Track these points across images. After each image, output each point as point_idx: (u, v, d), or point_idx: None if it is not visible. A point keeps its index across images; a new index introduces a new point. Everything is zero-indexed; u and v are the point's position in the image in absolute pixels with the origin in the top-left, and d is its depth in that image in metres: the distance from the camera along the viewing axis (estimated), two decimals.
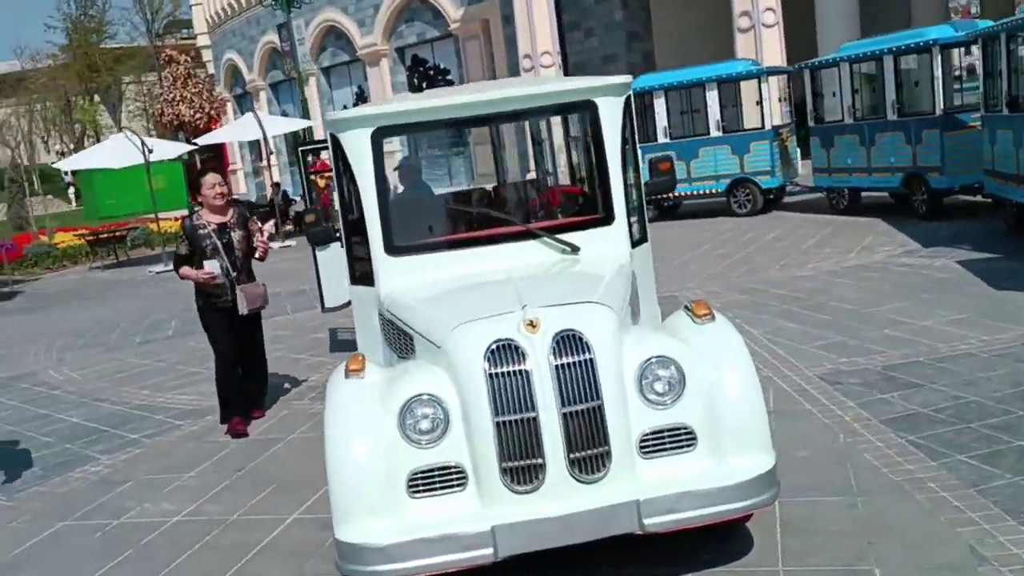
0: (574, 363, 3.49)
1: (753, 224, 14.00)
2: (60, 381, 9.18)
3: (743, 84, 14.95)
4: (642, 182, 4.97)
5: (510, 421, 3.44)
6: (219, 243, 6.31)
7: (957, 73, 13.26)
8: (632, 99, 4.79)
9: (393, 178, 7.60)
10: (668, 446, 3.57)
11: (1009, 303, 7.33)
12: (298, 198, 22.28)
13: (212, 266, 6.28)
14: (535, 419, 3.44)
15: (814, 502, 4.26)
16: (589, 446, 3.45)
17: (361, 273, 4.75)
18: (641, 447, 3.56)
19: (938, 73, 11.71)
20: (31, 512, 5.53)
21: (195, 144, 24.39)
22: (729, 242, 12.61)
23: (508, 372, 3.47)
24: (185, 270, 6.36)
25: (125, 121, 51.04)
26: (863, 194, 13.71)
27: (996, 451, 4.58)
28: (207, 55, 40.81)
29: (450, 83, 27.90)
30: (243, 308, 6.41)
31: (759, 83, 14.71)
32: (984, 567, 3.53)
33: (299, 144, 19.84)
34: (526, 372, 3.47)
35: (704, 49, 19.55)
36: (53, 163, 34.12)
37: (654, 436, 3.57)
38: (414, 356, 4.06)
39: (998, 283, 8.00)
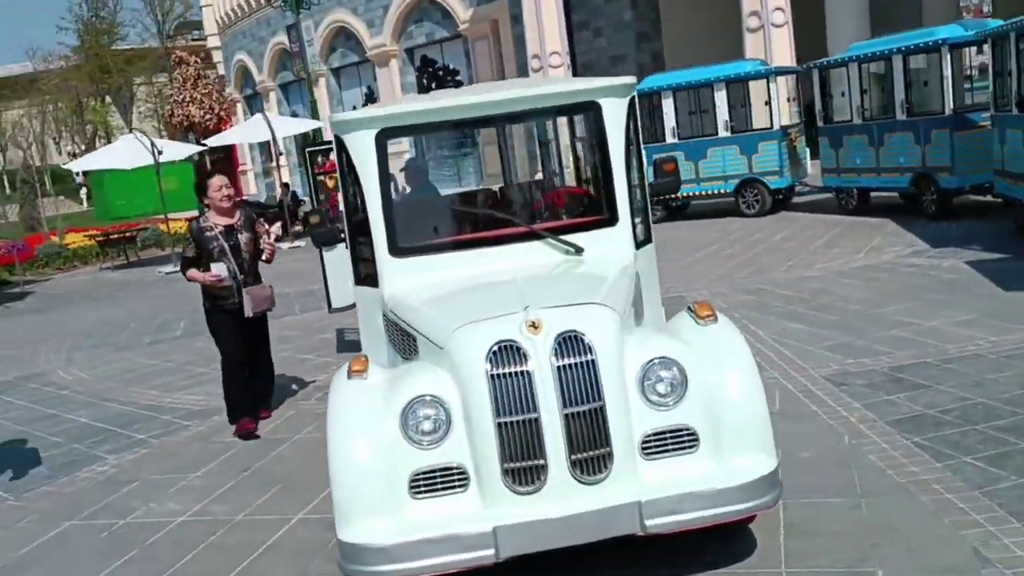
0: (576, 364, 3.49)
1: (761, 224, 13.97)
2: (69, 381, 9.23)
3: (752, 84, 14.92)
4: (646, 183, 4.97)
5: (511, 422, 3.44)
6: (226, 245, 6.31)
7: (969, 72, 13.18)
8: (636, 100, 4.79)
9: (400, 179, 7.61)
10: (670, 447, 3.57)
11: (1018, 304, 7.29)
12: (307, 199, 22.32)
13: (219, 269, 6.28)
14: (537, 420, 3.44)
15: (818, 504, 4.25)
16: (591, 447, 3.45)
17: (365, 274, 4.76)
18: (643, 448, 3.56)
19: (947, 73, 11.67)
20: (38, 512, 5.56)
21: (204, 145, 24.47)
22: (737, 243, 12.58)
23: (510, 373, 3.48)
24: (192, 273, 6.37)
25: (136, 122, 51.25)
26: (872, 194, 13.68)
27: (1002, 453, 4.56)
28: (217, 56, 40.95)
29: (459, 83, 27.94)
30: (249, 311, 6.41)
31: (767, 83, 14.67)
32: (988, 569, 3.52)
33: (308, 145, 19.88)
34: (528, 373, 3.47)
35: (713, 49, 19.50)
36: (64, 164, 34.28)
37: (656, 437, 3.57)
38: (417, 357, 4.07)
39: (1007, 284, 7.96)
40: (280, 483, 5.43)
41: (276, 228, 7.05)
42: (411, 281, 4.43)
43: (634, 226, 4.66)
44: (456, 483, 3.51)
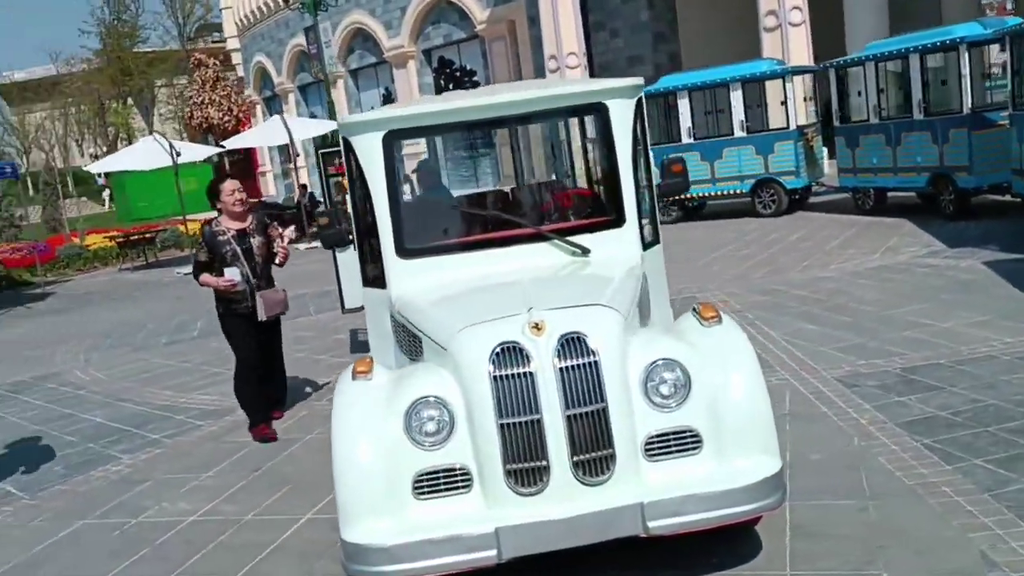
0: (578, 365, 3.49)
1: (777, 225, 13.90)
2: (86, 381, 9.32)
3: (768, 84, 14.86)
4: (655, 184, 4.96)
5: (514, 423, 3.45)
6: (239, 249, 6.31)
7: (990, 71, 13.05)
8: (644, 101, 4.78)
9: (412, 180, 7.63)
10: (673, 449, 3.57)
11: None
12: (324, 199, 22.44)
13: (232, 273, 6.27)
14: (539, 421, 3.44)
15: (825, 505, 4.23)
16: (593, 448, 3.46)
17: (373, 275, 4.79)
18: (646, 450, 3.55)
19: (965, 71, 11.58)
20: (52, 510, 5.62)
21: (223, 147, 24.64)
22: (753, 243, 12.53)
23: (512, 374, 3.48)
24: (205, 277, 6.36)
25: (157, 124, 51.68)
26: (889, 194, 13.57)
27: (1014, 455, 4.51)
28: (237, 58, 41.22)
29: (476, 84, 27.98)
30: (262, 314, 6.40)
31: (784, 83, 14.60)
32: (994, 573, 3.49)
33: (327, 146, 19.98)
34: (530, 374, 3.48)
35: (730, 49, 19.44)
36: (85, 166, 34.63)
37: (659, 439, 3.56)
38: (423, 358, 4.08)
39: None
40: (290, 483, 5.47)
41: (290, 232, 7.07)
42: (418, 282, 4.44)
43: (641, 227, 4.65)
44: (459, 484, 3.52)
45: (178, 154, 19.20)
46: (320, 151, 7.35)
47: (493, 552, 3.35)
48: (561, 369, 3.48)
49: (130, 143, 43.73)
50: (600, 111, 4.62)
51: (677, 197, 15.43)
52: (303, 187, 22.60)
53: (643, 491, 3.44)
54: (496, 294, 4.03)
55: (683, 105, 15.47)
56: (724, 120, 15.26)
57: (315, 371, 8.21)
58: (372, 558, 3.40)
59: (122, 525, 5.19)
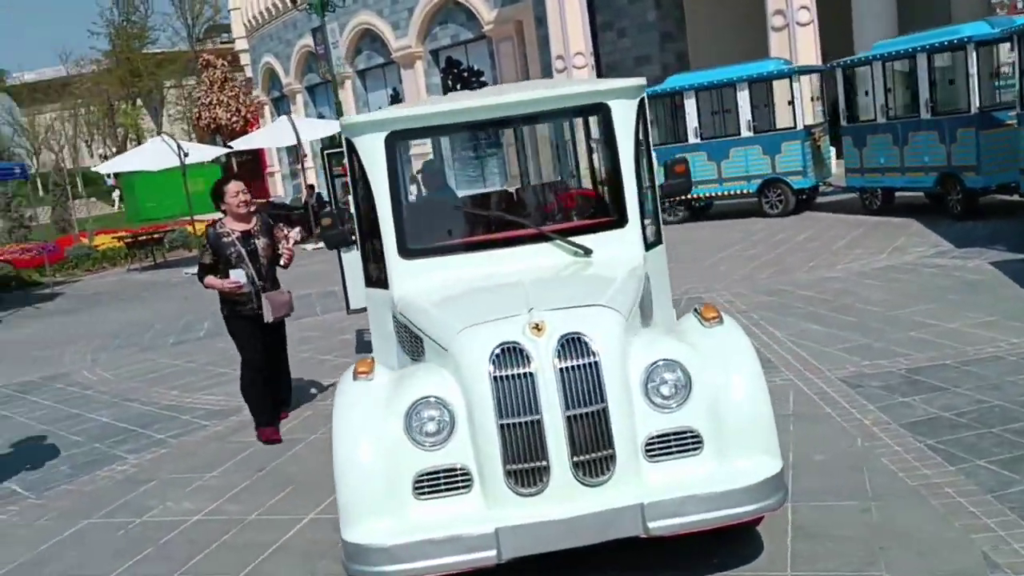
0: (578, 366, 3.49)
1: (785, 225, 13.87)
2: (93, 381, 9.36)
3: (775, 83, 14.83)
4: (657, 184, 4.96)
5: (514, 424, 3.46)
6: (243, 251, 6.27)
7: (998, 70, 12.98)
8: (646, 101, 4.78)
9: (418, 180, 7.65)
10: (674, 449, 3.57)
11: None
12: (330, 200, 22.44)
13: (238, 275, 6.23)
14: (539, 422, 3.45)
15: (827, 507, 4.22)
16: (593, 449, 3.46)
17: (376, 276, 4.79)
18: (646, 450, 3.55)
19: (973, 71, 11.53)
20: (58, 510, 5.65)
21: (230, 147, 24.70)
22: (760, 243, 12.51)
23: (512, 375, 3.49)
24: (210, 280, 6.33)
25: (167, 125, 51.87)
26: (896, 194, 13.53)
27: (1018, 456, 4.50)
28: (245, 59, 41.33)
29: (484, 84, 27.99)
30: (269, 316, 6.37)
31: (791, 82, 14.57)
32: (996, 574, 3.48)
33: (335, 147, 20.01)
34: (530, 375, 3.48)
35: (738, 48, 19.41)
36: (93, 167, 34.79)
37: (660, 439, 3.56)
38: (425, 359, 4.09)
39: None
40: (294, 483, 5.48)
41: (295, 233, 7.07)
42: (420, 283, 4.45)
43: (644, 228, 4.65)
44: (459, 484, 3.52)
45: (186, 155, 19.27)
46: (325, 152, 7.35)
47: (493, 552, 3.35)
48: (561, 369, 3.48)
49: (139, 144, 43.88)
50: (602, 111, 4.62)
51: (684, 197, 15.44)
52: (310, 188, 22.64)
53: (643, 492, 3.44)
54: (497, 294, 4.03)
55: (690, 105, 15.45)
56: (731, 120, 15.24)
57: (320, 371, 8.23)
58: (372, 558, 3.41)
59: (126, 525, 5.21)
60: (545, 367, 3.48)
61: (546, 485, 3.44)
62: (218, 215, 6.59)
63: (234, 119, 34.45)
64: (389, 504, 3.49)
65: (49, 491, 6.03)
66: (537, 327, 3.55)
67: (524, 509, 3.42)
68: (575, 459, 3.44)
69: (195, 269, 6.66)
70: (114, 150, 52.16)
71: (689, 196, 15.43)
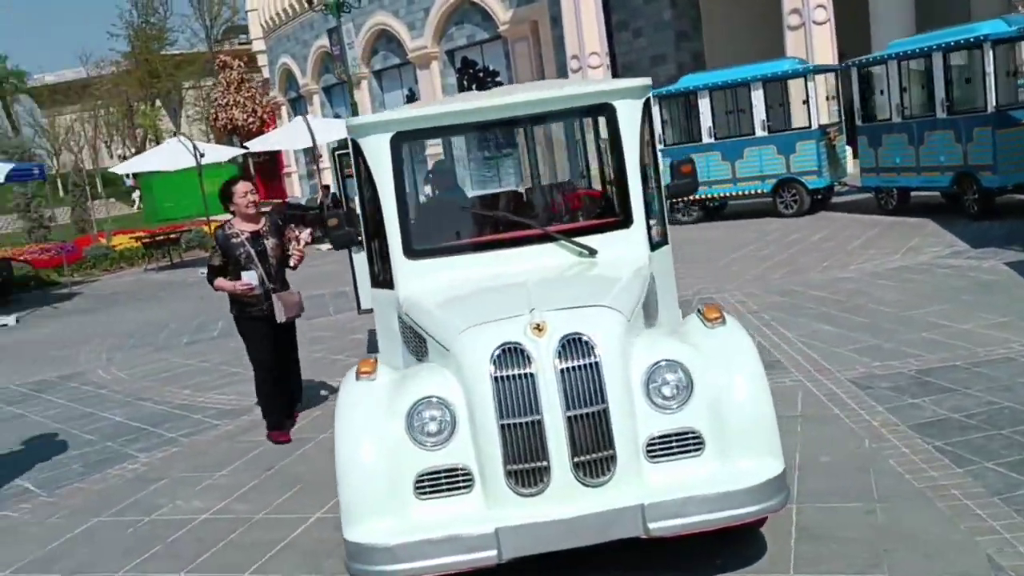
0: (579, 367, 3.49)
1: (799, 225, 13.81)
2: (108, 380, 9.44)
3: (790, 83, 14.76)
4: (663, 184, 4.95)
5: (515, 424, 3.46)
6: (253, 251, 6.26)
7: (1016, 68, 12.86)
8: (652, 101, 4.77)
9: (429, 180, 7.65)
10: (675, 450, 3.56)
11: None
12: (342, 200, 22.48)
13: (250, 277, 6.22)
14: (540, 422, 3.45)
15: (832, 508, 4.20)
16: (594, 449, 3.46)
17: (381, 276, 4.81)
18: (648, 451, 3.55)
19: (989, 69, 11.44)
20: (69, 508, 5.70)
21: (246, 148, 24.82)
22: (773, 243, 12.46)
23: (513, 375, 3.50)
24: (220, 282, 6.31)
25: (185, 126, 52.18)
26: (912, 194, 13.44)
27: None
28: (262, 60, 41.53)
29: (499, 84, 28.00)
30: (281, 316, 6.37)
31: (805, 82, 14.50)
32: None
33: (342, 148, 20.09)
34: (531, 375, 3.48)
35: (754, 47, 19.35)
36: (109, 168, 35.06)
37: (661, 440, 3.56)
38: (428, 359, 4.10)
39: None
40: (302, 482, 5.51)
41: (306, 235, 7.08)
42: (425, 283, 4.46)
43: (649, 228, 4.64)
44: (461, 484, 3.53)
45: (202, 155, 19.38)
46: (336, 152, 7.35)
47: (493, 552, 3.36)
48: (562, 370, 3.49)
49: (158, 145, 44.23)
50: (607, 112, 4.61)
51: (698, 197, 15.41)
52: (325, 188, 22.72)
53: (644, 492, 3.44)
54: (500, 295, 4.04)
55: (704, 105, 15.40)
56: (745, 120, 15.19)
57: (332, 371, 8.25)
58: (374, 557, 3.43)
59: (136, 523, 5.26)
60: (546, 367, 3.48)
61: (547, 485, 3.45)
62: (228, 216, 6.61)
63: (250, 120, 34.60)
64: (391, 504, 3.51)
65: (61, 489, 6.09)
66: (538, 327, 3.55)
67: (524, 509, 3.42)
68: (576, 459, 3.44)
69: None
70: (133, 151, 52.48)
71: (703, 196, 15.43)
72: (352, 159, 4.83)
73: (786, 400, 5.73)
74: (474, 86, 29.29)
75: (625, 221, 4.61)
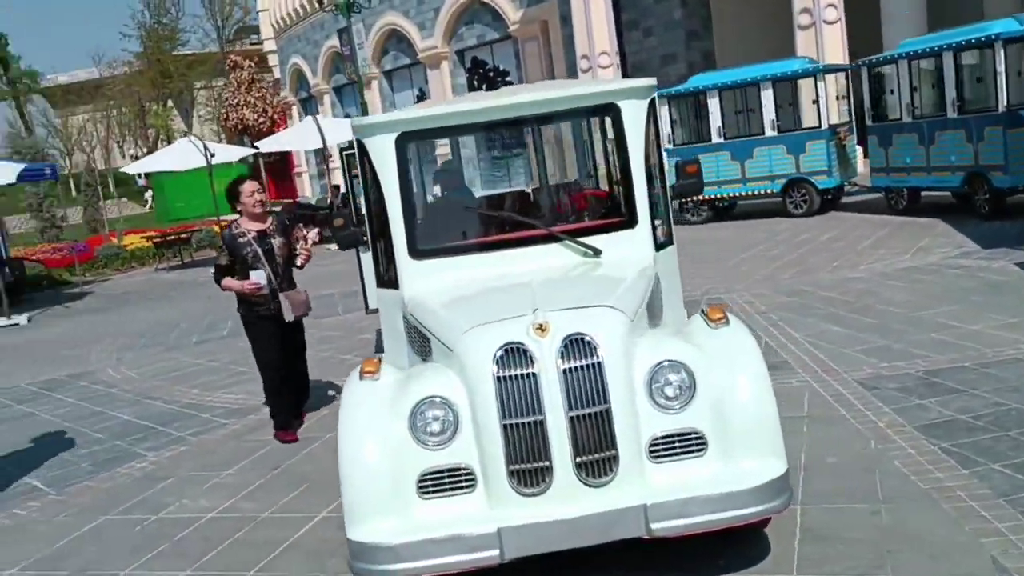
0: (582, 367, 3.50)
1: (809, 225, 13.77)
2: (117, 379, 9.49)
3: (800, 83, 14.72)
4: (668, 185, 4.95)
5: (517, 424, 3.47)
6: (260, 251, 6.26)
7: None
8: (657, 102, 4.77)
9: (435, 182, 7.67)
10: (678, 450, 3.56)
11: None
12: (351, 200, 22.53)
13: (258, 276, 6.21)
14: (542, 422, 3.46)
15: (837, 509, 4.19)
16: (596, 450, 3.46)
17: (387, 276, 4.82)
18: (650, 451, 3.55)
19: (1001, 68, 11.39)
20: (77, 506, 5.74)
21: (256, 148, 24.90)
22: (783, 243, 12.42)
23: (516, 375, 3.50)
24: (228, 282, 6.31)
25: (197, 126, 52.36)
26: (923, 194, 13.38)
27: None
28: (273, 60, 41.66)
29: (509, 84, 28.01)
30: (289, 315, 6.38)
31: (815, 81, 14.45)
32: None
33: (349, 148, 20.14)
34: (534, 375, 3.49)
35: (765, 47, 19.31)
36: (121, 168, 35.23)
37: (664, 440, 3.56)
38: (433, 359, 4.11)
39: None
40: (308, 482, 5.53)
41: (313, 234, 7.09)
42: (430, 283, 4.47)
43: (654, 228, 4.64)
44: (463, 484, 3.54)
45: (212, 155, 19.45)
46: (344, 152, 7.35)
47: (495, 552, 3.37)
48: (564, 370, 3.49)
49: (170, 145, 44.40)
50: (612, 112, 4.62)
51: (707, 197, 15.38)
52: (335, 188, 22.78)
53: (646, 492, 3.44)
54: (504, 295, 4.05)
55: (713, 104, 15.37)
56: (755, 119, 15.15)
57: (339, 371, 8.26)
58: (377, 557, 3.44)
59: (143, 521, 5.29)
60: (548, 368, 3.49)
61: (549, 485, 3.45)
62: (235, 216, 6.62)
63: (261, 120, 34.70)
64: (394, 503, 3.52)
65: (69, 487, 6.12)
66: (541, 328, 3.56)
67: (527, 509, 3.43)
68: (578, 460, 3.45)
69: None
70: (145, 151, 52.67)
71: (712, 196, 15.40)
72: (357, 159, 4.84)
73: (793, 401, 5.72)
74: (484, 86, 29.30)
75: (630, 221, 4.61)
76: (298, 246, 6.57)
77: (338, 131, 23.23)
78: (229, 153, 23.61)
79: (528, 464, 3.46)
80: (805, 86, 14.68)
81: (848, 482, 4.47)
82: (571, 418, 3.45)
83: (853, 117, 15.82)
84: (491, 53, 29.63)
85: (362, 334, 9.82)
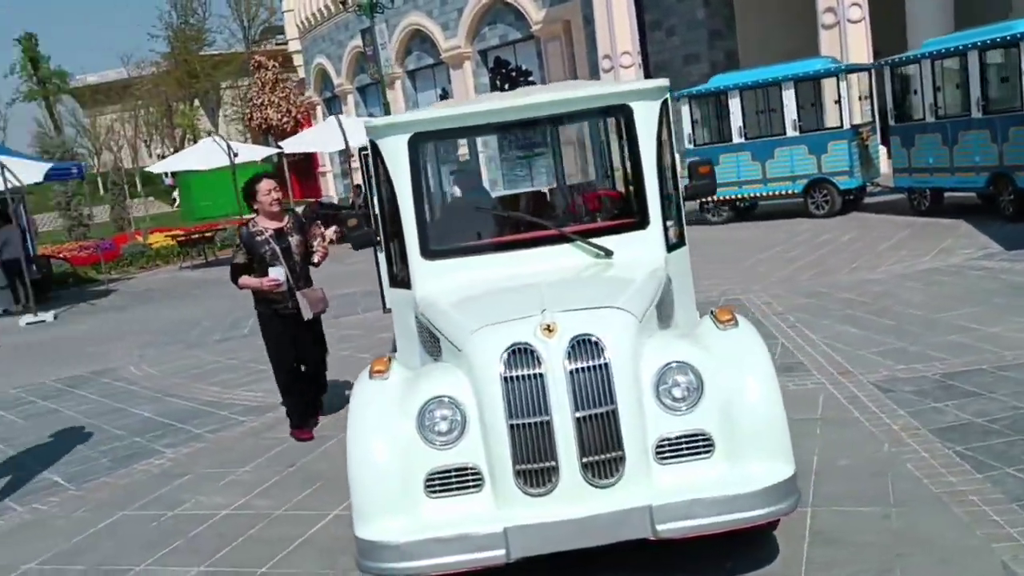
0: (589, 368, 3.51)
1: (830, 226, 13.68)
2: (139, 377, 9.60)
3: (823, 82, 14.62)
4: (681, 185, 4.94)
5: (524, 424, 3.48)
6: (278, 249, 6.28)
7: None
8: (669, 103, 4.77)
9: (451, 182, 7.70)
10: (684, 452, 3.56)
11: None
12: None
13: (277, 273, 6.22)
14: (548, 423, 3.47)
15: (847, 512, 4.17)
16: (602, 450, 3.47)
17: (399, 277, 4.85)
18: (657, 452, 3.55)
19: None
20: (96, 501, 5.81)
21: (280, 147, 25.08)
22: (803, 244, 12.35)
23: (523, 376, 3.52)
24: (245, 280, 6.33)
25: (223, 125, 52.79)
26: (946, 195, 13.25)
27: None
28: (298, 60, 41.90)
29: (532, 84, 28.02)
30: (307, 313, 6.40)
31: (838, 81, 14.35)
32: None
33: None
34: (540, 376, 3.50)
35: (788, 46, 19.19)
36: (145, 167, 35.58)
37: (670, 442, 3.56)
38: (442, 358, 4.13)
39: None
40: (322, 479, 5.57)
41: (331, 232, 7.12)
42: (442, 283, 4.49)
43: (666, 229, 4.64)
44: (470, 483, 3.56)
45: (235, 155, 19.61)
46: (361, 152, 7.40)
47: (502, 552, 3.38)
48: (571, 371, 3.50)
49: (196, 144, 44.77)
50: (624, 113, 4.62)
51: (728, 197, 15.32)
52: (357, 188, 22.87)
53: (652, 493, 3.45)
54: (514, 295, 4.06)
55: (734, 104, 15.30)
56: (776, 119, 15.07)
57: (357, 370, 8.09)
58: (384, 555, 3.46)
59: (159, 517, 5.35)
60: (555, 368, 3.50)
61: (555, 486, 3.46)
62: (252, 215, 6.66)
63: (284, 120, 34.91)
64: (402, 502, 3.54)
65: (88, 483, 6.21)
66: (548, 328, 3.57)
67: (533, 509, 3.44)
68: (584, 460, 3.46)
69: None
70: (171, 150, 53.15)
71: (733, 196, 15.34)
72: (371, 159, 4.88)
73: (807, 403, 5.70)
74: (507, 86, 29.33)
75: (641, 222, 4.61)
76: (315, 243, 6.59)
77: (361, 131, 23.37)
78: (252, 152, 23.79)
79: (534, 464, 3.47)
80: (827, 86, 14.58)
81: (860, 485, 4.45)
82: (577, 419, 3.46)
83: (876, 117, 15.69)
84: (514, 53, 29.66)
85: (382, 333, 9.85)
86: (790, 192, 15.02)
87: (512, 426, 3.49)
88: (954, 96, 12.57)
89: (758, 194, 15.36)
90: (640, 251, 4.53)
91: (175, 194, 47.43)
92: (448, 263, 4.60)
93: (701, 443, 3.56)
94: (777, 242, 12.81)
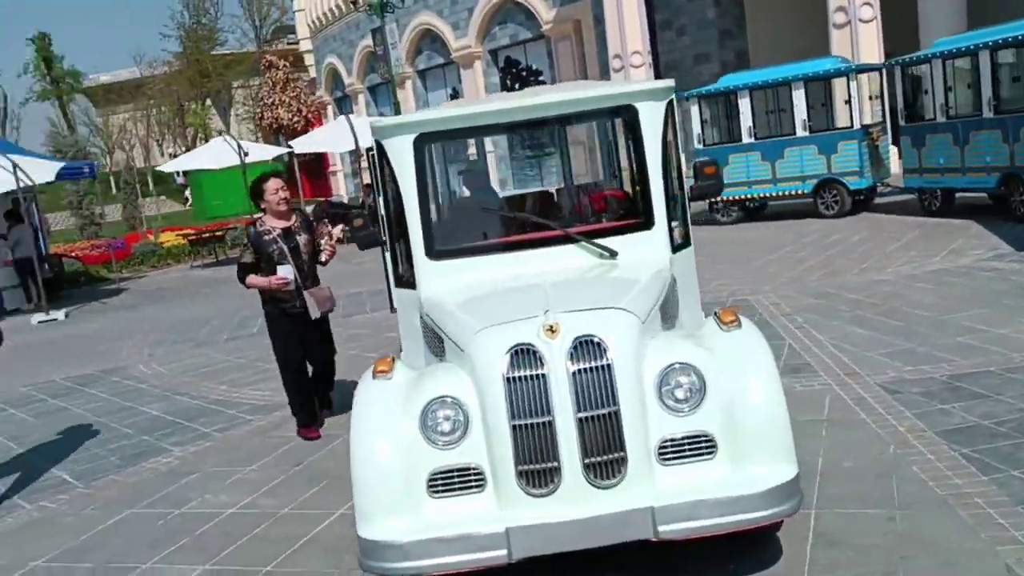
0: (591, 368, 3.51)
1: (839, 226, 13.62)
2: (147, 375, 9.65)
3: (833, 82, 14.57)
4: (687, 186, 4.94)
5: (526, 425, 3.48)
6: (286, 248, 6.30)
7: None
8: (675, 103, 4.77)
9: (459, 182, 7.71)
10: (687, 453, 3.56)
11: None
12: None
13: (286, 272, 6.24)
14: (551, 423, 3.47)
15: (852, 514, 4.16)
16: (605, 451, 3.47)
17: (404, 277, 4.86)
18: (660, 453, 3.55)
19: None
20: (104, 499, 5.86)
21: (290, 147, 25.14)
22: (812, 244, 12.31)
23: (525, 376, 3.52)
24: (253, 279, 6.33)
25: (234, 125, 52.96)
26: (957, 195, 13.18)
27: None
28: (309, 59, 41.97)
29: (542, 84, 28.00)
30: (315, 312, 6.41)
31: (848, 81, 14.30)
32: None
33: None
34: (543, 376, 3.51)
35: (799, 46, 19.09)
36: (157, 166, 35.71)
37: (673, 443, 3.56)
38: (446, 359, 4.14)
39: None
40: (328, 478, 5.59)
41: (338, 231, 7.14)
42: (447, 284, 4.50)
43: (671, 230, 4.63)
44: (473, 483, 3.57)
45: (246, 154, 19.68)
46: (368, 150, 7.43)
47: (503, 552, 3.39)
48: (574, 372, 3.50)
49: (207, 143, 44.89)
50: (630, 114, 4.62)
51: (738, 197, 15.28)
52: (367, 187, 22.92)
53: (654, 495, 3.45)
54: (518, 296, 4.07)
55: (744, 104, 15.24)
56: (786, 119, 15.01)
57: (364, 369, 8.27)
58: (387, 555, 3.48)
59: (166, 515, 5.38)
60: (558, 369, 3.50)
61: (557, 486, 3.47)
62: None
63: (295, 119, 34.98)
64: (404, 502, 3.55)
65: (97, 481, 6.25)
66: (551, 329, 3.57)
67: (535, 510, 3.45)
68: (586, 461, 3.46)
69: None
70: (183, 149, 53.34)
71: (743, 196, 15.30)
72: (377, 159, 4.89)
73: (813, 404, 5.69)
74: (517, 85, 29.33)
75: (646, 223, 4.61)
76: (322, 242, 6.60)
77: (368, 132, 23.44)
78: (263, 152, 23.87)
79: (536, 465, 3.47)
80: (837, 86, 14.52)
81: (864, 487, 4.44)
82: (580, 419, 3.46)
83: (887, 117, 15.62)
84: (524, 53, 29.64)
85: (389, 332, 9.87)
86: (800, 192, 14.97)
87: (514, 427, 3.49)
88: (965, 96, 12.50)
89: (768, 194, 15.31)
90: (645, 251, 4.53)
91: (187, 193, 47.63)
92: (453, 263, 4.60)
93: (704, 444, 3.56)
94: (786, 242, 12.77)
